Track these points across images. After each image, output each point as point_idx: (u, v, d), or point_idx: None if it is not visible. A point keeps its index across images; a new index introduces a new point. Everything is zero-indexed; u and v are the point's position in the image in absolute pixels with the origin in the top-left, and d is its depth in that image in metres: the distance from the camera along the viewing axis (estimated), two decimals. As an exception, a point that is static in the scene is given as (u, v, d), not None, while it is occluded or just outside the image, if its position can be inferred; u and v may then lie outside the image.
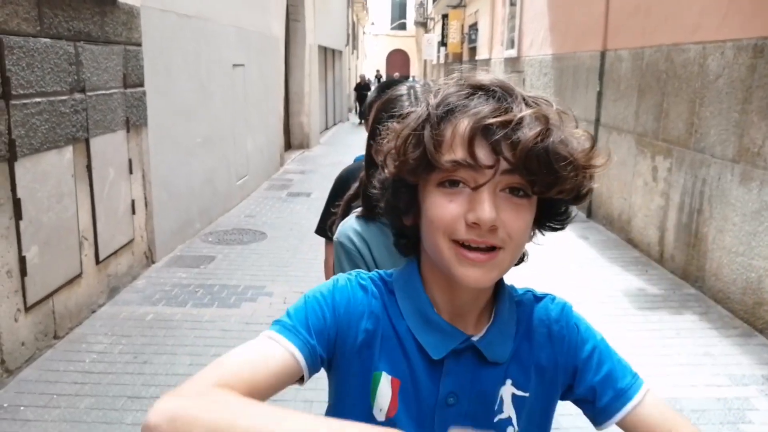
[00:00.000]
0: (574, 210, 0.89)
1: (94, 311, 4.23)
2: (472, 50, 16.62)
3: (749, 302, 4.18)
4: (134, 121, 4.83)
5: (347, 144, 14.39)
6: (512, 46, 11.47)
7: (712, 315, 4.40)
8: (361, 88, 21.63)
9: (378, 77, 29.81)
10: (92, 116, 4.16)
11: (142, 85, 4.98)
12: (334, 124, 19.53)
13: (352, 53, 25.69)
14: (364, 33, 35.54)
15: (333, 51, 18.39)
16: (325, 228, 2.21)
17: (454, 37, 19.04)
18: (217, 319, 4.20)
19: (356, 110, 22.87)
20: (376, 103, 1.98)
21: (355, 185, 1.80)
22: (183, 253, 5.64)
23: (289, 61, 12.41)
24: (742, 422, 3.07)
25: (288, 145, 12.37)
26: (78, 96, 3.99)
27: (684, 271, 5.07)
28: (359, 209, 1.56)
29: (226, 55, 7.25)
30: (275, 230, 6.56)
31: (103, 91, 4.33)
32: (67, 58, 3.84)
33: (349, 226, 1.55)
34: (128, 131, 4.74)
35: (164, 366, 3.53)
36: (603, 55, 6.96)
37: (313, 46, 13.43)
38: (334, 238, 1.57)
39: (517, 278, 0.94)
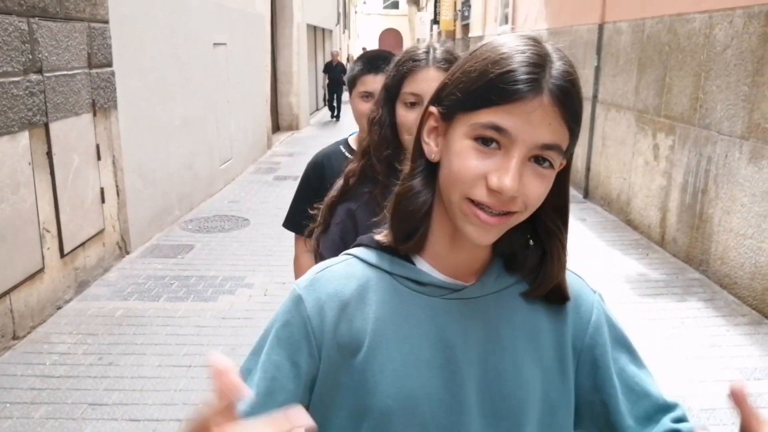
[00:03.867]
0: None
1: (59, 307, 3.96)
2: (465, 27, 16.22)
3: (758, 288, 3.93)
4: (101, 103, 4.52)
5: (339, 124, 14.04)
6: (506, 22, 11.11)
7: (719, 301, 4.15)
8: (333, 69, 14.72)
9: None
10: (51, 99, 3.85)
11: (110, 65, 4.66)
12: (325, 105, 19.09)
13: (344, 32, 25.18)
14: (355, 12, 34.93)
15: (323, 30, 17.95)
16: (294, 221, 1.94)
17: (446, 14, 18.59)
18: (192, 314, 3.93)
19: (326, 99, 16.12)
20: (364, 77, 1.77)
21: (339, 183, 1.48)
22: (160, 242, 5.35)
23: (276, 40, 12.03)
24: (756, 423, 2.82)
25: (276, 127, 12.03)
26: (34, 77, 3.68)
27: (687, 254, 4.81)
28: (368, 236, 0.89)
29: (205, 33, 6.90)
30: (259, 216, 6.27)
31: (64, 72, 4.01)
32: (18, 35, 3.51)
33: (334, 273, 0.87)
34: (95, 114, 4.43)
35: (131, 368, 3.26)
36: (601, 28, 6.63)
37: (302, 25, 13.02)
38: (295, 285, 0.93)
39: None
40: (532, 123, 0.69)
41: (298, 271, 1.98)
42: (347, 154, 1.84)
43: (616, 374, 0.82)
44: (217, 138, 7.36)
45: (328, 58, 15.74)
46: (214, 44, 7.20)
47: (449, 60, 1.30)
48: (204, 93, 6.86)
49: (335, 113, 15.02)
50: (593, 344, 0.83)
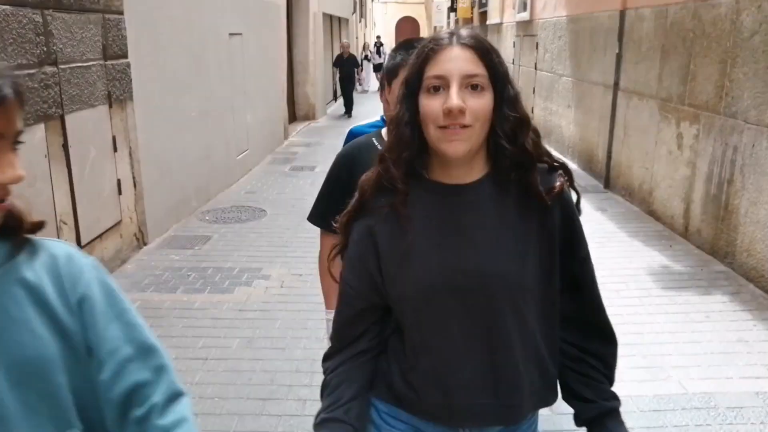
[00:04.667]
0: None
1: (78, 300, 3.96)
2: (483, 15, 16.02)
3: (786, 282, 3.82)
4: (117, 95, 4.50)
5: (355, 114, 13.94)
6: (524, 9, 10.93)
7: (745, 295, 4.04)
8: (344, 62, 14.01)
9: (378, 46, 21.07)
10: (67, 91, 3.84)
11: (125, 56, 4.64)
12: (341, 95, 18.93)
13: (360, 21, 25.03)
14: (372, 1, 34.70)
15: (339, 19, 17.84)
16: (320, 216, 1.86)
17: (463, 1, 18.37)
18: (209, 306, 3.92)
19: (335, 93, 15.32)
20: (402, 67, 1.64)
21: (355, 196, 1.27)
22: (177, 233, 5.35)
23: (292, 29, 11.97)
24: (786, 421, 2.74)
25: (293, 117, 12.00)
26: (49, 69, 3.66)
27: (712, 246, 4.70)
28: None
29: (221, 23, 6.87)
30: (276, 207, 6.25)
31: (79, 64, 4.00)
32: (33, 27, 3.50)
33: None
34: (111, 106, 4.41)
35: (147, 361, 3.25)
36: (622, 14, 6.48)
37: (318, 14, 12.94)
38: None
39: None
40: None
41: (322, 270, 1.90)
42: (381, 147, 1.74)
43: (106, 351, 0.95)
44: (234, 128, 7.34)
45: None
46: (230, 34, 7.16)
47: (476, 38, 1.13)
48: (220, 83, 6.83)
49: (349, 109, 13.89)
50: (79, 315, 0.93)
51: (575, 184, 1.23)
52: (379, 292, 1.23)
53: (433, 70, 1.11)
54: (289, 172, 8.01)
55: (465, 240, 1.17)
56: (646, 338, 3.50)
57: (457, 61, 1.10)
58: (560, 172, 1.21)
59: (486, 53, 1.12)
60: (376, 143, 1.76)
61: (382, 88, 1.85)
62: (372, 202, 1.20)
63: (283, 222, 5.73)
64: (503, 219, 1.18)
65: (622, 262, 4.65)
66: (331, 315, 1.89)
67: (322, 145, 9.96)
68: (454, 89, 1.08)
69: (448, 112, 1.07)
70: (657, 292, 4.13)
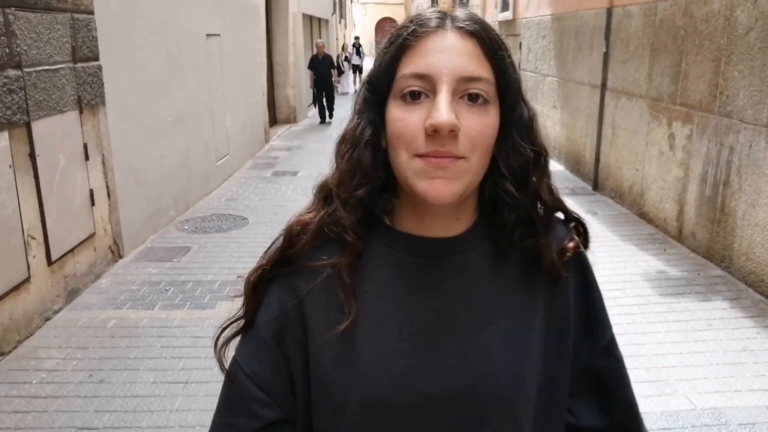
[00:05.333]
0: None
1: (48, 318, 3.73)
2: (464, 14, 15.91)
3: (788, 286, 3.71)
4: (88, 99, 4.26)
5: (336, 116, 13.72)
6: (507, 8, 10.82)
7: (745, 301, 3.93)
8: (319, 63, 12.68)
9: (357, 46, 20.25)
10: (33, 96, 3.60)
11: (96, 58, 4.40)
12: (317, 100, 18.54)
13: (340, 22, 24.81)
14: (351, 1, 34.50)
15: (319, 20, 17.62)
16: None
17: (444, 1, 18.27)
18: (188, 323, 3.71)
19: (314, 98, 13.60)
20: None
21: (278, 242, 0.90)
22: (155, 245, 5.11)
23: (272, 30, 11.74)
24: (801, 438, 2.61)
25: (273, 120, 11.77)
26: (12, 72, 3.42)
27: (708, 249, 4.59)
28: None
29: (198, 24, 6.63)
30: (258, 215, 6.04)
31: (46, 67, 3.76)
32: (-6, 27, 3.26)
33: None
34: (81, 112, 4.17)
35: (123, 386, 3.04)
36: (609, 12, 6.37)
37: (297, 15, 12.72)
38: None
39: None
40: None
41: None
42: None
43: None
44: (213, 133, 7.11)
45: (325, 48, 15.09)
46: (207, 35, 6.93)
47: (480, 22, 0.75)
48: (197, 86, 6.60)
49: (327, 114, 12.99)
50: None
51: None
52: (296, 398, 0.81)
53: (411, 66, 0.71)
54: (270, 177, 7.79)
55: (445, 325, 0.76)
56: (648, 349, 3.36)
57: (450, 54, 0.71)
58: (573, 225, 0.85)
59: (495, 47, 0.73)
60: None
61: None
62: (306, 255, 0.78)
63: (265, 230, 5.51)
64: (501, 294, 0.79)
65: (617, 268, 4.52)
66: None
67: (304, 149, 9.76)
68: (443, 97, 0.69)
69: (433, 132, 0.68)
70: (655, 299, 4.00)
